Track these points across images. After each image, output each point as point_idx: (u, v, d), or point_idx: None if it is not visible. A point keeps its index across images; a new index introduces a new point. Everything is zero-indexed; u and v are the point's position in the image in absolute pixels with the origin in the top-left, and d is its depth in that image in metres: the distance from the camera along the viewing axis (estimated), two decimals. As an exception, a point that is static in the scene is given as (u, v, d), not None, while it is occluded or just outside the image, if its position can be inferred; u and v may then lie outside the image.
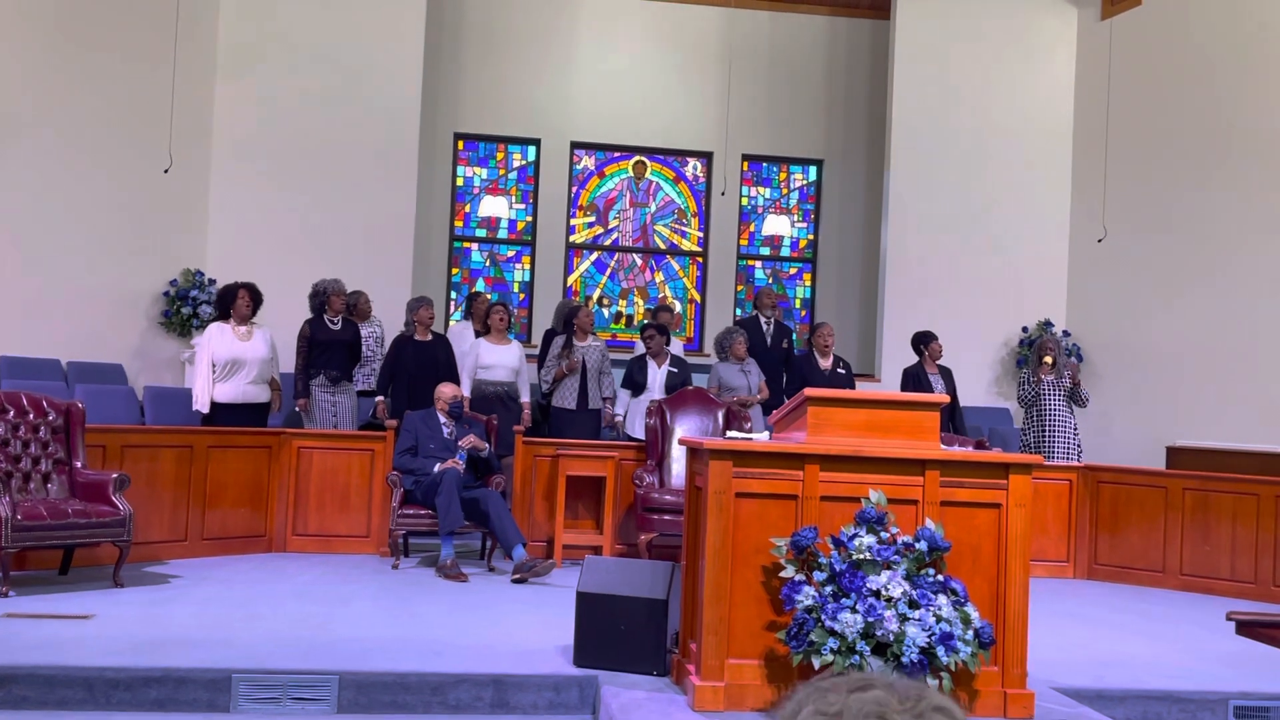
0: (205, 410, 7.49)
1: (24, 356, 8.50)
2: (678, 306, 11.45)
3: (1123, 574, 7.62)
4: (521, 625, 5.27)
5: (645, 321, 10.07)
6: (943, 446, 4.35)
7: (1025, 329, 10.90)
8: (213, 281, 9.66)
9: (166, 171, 9.46)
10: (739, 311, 11.70)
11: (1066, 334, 10.80)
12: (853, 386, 8.58)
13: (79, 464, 6.10)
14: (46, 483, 5.99)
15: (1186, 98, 10.22)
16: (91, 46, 9.21)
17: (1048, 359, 8.61)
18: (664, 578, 4.55)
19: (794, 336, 9.81)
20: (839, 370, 8.60)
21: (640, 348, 9.21)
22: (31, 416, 6.02)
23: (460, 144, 11.50)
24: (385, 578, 6.53)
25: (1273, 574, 7.07)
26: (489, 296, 9.35)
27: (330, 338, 7.98)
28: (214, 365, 7.50)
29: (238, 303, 7.60)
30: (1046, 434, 8.48)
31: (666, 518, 6.95)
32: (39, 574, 6.03)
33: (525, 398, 8.12)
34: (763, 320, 9.35)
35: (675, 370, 8.22)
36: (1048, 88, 11.14)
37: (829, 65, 11.80)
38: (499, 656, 4.58)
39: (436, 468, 6.81)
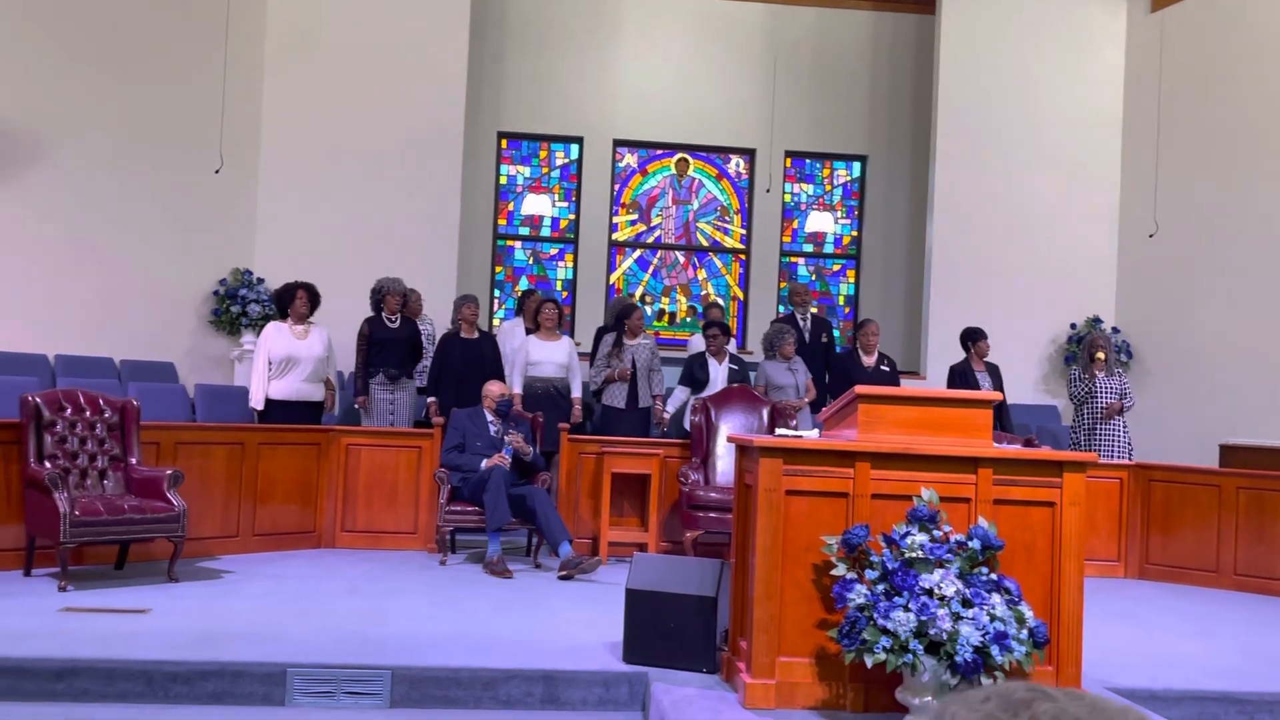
0: (259, 407, 7.59)
1: (80, 355, 8.66)
2: (722, 302, 11.42)
3: (1175, 574, 7.52)
4: (570, 622, 5.29)
5: (693, 319, 10.06)
6: (995, 445, 4.32)
7: (1074, 326, 10.77)
8: (261, 280, 9.77)
9: (217, 172, 9.58)
10: (782, 309, 11.66)
11: (1116, 330, 10.66)
12: (897, 384, 8.53)
13: (134, 460, 6.19)
14: (103, 479, 6.09)
15: (1238, 91, 10.05)
16: (143, 50, 9.35)
17: (1100, 355, 8.50)
18: (713, 575, 4.54)
19: (834, 331, 9.74)
20: (883, 368, 8.55)
21: (693, 345, 9.20)
22: (88, 414, 6.13)
23: (504, 142, 11.55)
24: (433, 574, 6.58)
25: (1330, 574, 6.94)
26: (540, 294, 9.38)
27: (388, 336, 8.05)
28: (270, 363, 7.61)
29: (296, 302, 7.71)
30: (1096, 433, 8.38)
31: (712, 515, 6.94)
32: (96, 569, 6.13)
33: (576, 393, 8.13)
34: (799, 317, 9.31)
35: (735, 368, 8.19)
36: (1096, 81, 11.00)
37: (873, 60, 11.72)
38: (549, 653, 4.60)
39: (484, 464, 6.85)
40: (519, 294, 10.52)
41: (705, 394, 7.97)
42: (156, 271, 9.40)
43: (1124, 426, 8.46)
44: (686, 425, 8.06)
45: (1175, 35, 10.50)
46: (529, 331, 8.57)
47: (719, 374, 8.13)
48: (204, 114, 9.59)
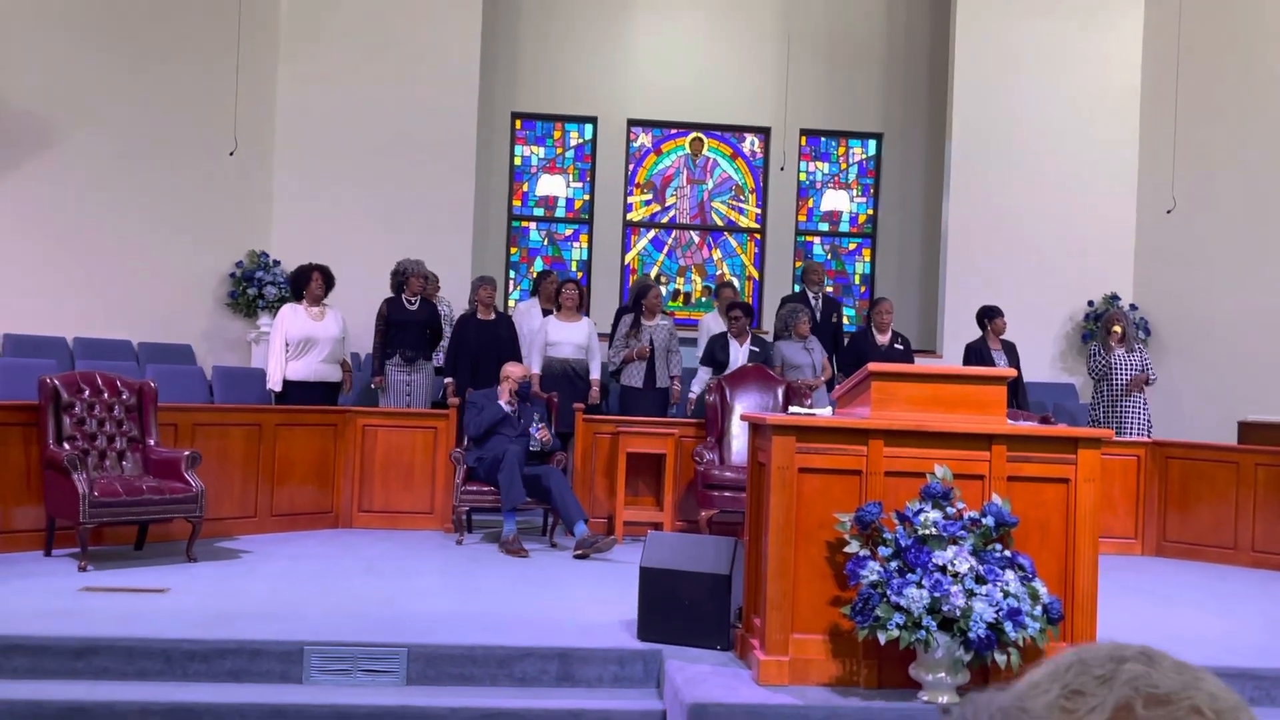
0: (278, 389, 7.63)
1: (97, 338, 8.71)
2: (736, 282, 11.40)
3: (1192, 551, 7.49)
4: (585, 600, 5.31)
5: (707, 299, 10.03)
6: (1009, 422, 4.31)
7: (1091, 303, 10.71)
8: (277, 263, 9.81)
9: (231, 154, 9.61)
10: (798, 288, 11.63)
11: (1134, 307, 10.59)
12: (911, 362, 8.49)
13: (152, 442, 6.24)
14: (121, 460, 6.14)
15: (1258, 66, 9.94)
16: (156, 33, 9.37)
17: (1117, 328, 8.45)
18: (726, 553, 4.56)
19: (846, 311, 9.71)
20: (896, 346, 8.52)
21: (703, 325, 9.18)
22: (106, 396, 6.17)
23: (518, 123, 11.53)
24: (449, 553, 6.62)
25: (1349, 551, 6.90)
26: (556, 275, 9.39)
27: (406, 318, 8.07)
28: (287, 344, 7.64)
29: (311, 284, 7.74)
30: (1116, 410, 8.34)
31: (727, 494, 6.95)
32: (115, 549, 6.19)
33: (595, 375, 8.14)
34: (810, 295, 9.28)
35: (757, 350, 8.16)
36: (1113, 56, 10.89)
37: (888, 37, 11.64)
38: (564, 630, 4.62)
39: (503, 403, 6.93)
40: (534, 275, 10.53)
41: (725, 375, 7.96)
42: (173, 254, 9.45)
43: (1144, 404, 8.42)
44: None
45: (1194, 10, 10.38)
46: (545, 313, 8.58)
47: (740, 355, 8.12)
48: (217, 96, 9.61)
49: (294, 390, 7.63)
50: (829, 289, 11.41)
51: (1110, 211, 10.81)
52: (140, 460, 6.18)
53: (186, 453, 6.09)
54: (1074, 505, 4.11)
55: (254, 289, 9.73)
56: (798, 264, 11.73)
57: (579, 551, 6.48)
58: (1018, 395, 8.47)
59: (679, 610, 4.48)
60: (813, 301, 9.18)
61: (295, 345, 7.67)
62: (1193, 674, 0.77)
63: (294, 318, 7.72)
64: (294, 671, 4.25)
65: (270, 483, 7.07)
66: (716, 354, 8.14)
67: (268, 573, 5.77)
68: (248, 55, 9.73)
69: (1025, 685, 0.79)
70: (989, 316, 8.74)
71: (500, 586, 5.62)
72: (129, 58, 9.22)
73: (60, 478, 5.73)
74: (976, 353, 8.63)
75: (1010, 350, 8.69)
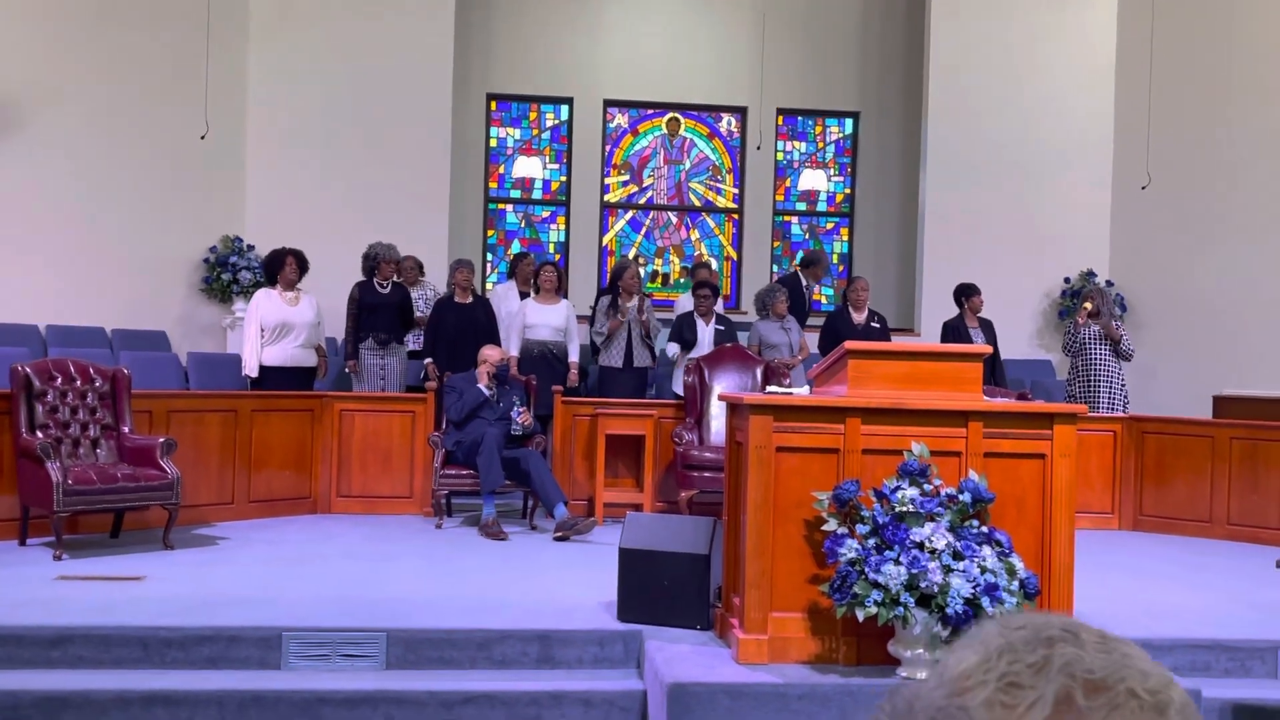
0: (254, 374, 7.57)
1: (69, 325, 8.63)
2: (714, 264, 11.39)
3: (1169, 525, 7.55)
4: (564, 582, 5.31)
5: (685, 280, 10.03)
6: (985, 399, 4.32)
7: (1067, 280, 10.75)
8: (251, 247, 9.73)
9: (203, 138, 9.50)
10: (776, 268, 11.64)
11: (1110, 284, 10.64)
12: (888, 340, 8.52)
13: (126, 429, 6.19)
14: (95, 448, 6.09)
15: (1231, 41, 9.97)
16: (124, 15, 9.25)
17: (1087, 304, 8.49)
18: (705, 533, 4.56)
19: (825, 291, 9.73)
20: (873, 324, 8.54)
21: (680, 306, 9.18)
22: (79, 383, 6.11)
23: (493, 105, 11.46)
24: (429, 537, 6.60)
25: (1323, 523, 6.97)
26: (534, 257, 9.36)
27: (378, 301, 8.02)
28: (262, 330, 7.58)
29: (285, 268, 7.67)
30: (1092, 384, 8.38)
31: (706, 475, 6.95)
32: (90, 537, 6.14)
33: (574, 357, 8.13)
34: (803, 281, 9.27)
35: (722, 329, 8.19)
36: (1088, 34, 10.90)
37: (864, 15, 11.61)
38: (544, 613, 4.62)
39: (482, 386, 6.90)
40: (511, 257, 10.49)
41: (694, 354, 7.97)
42: (146, 240, 9.36)
43: (1121, 380, 8.46)
44: (678, 387, 8.07)
45: (1168, -16, 10.39)
46: (523, 295, 8.56)
47: (706, 335, 8.13)
48: (188, 79, 9.50)
49: (270, 376, 7.57)
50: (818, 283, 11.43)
51: (1086, 188, 10.84)
52: (115, 448, 6.13)
53: (162, 440, 6.04)
54: (1050, 480, 4.13)
55: (228, 274, 9.65)
56: (776, 244, 11.73)
57: (559, 534, 6.48)
58: (995, 372, 8.51)
59: (659, 591, 4.48)
60: (804, 289, 9.15)
61: (270, 331, 7.61)
62: (1120, 651, 0.76)
63: (269, 303, 7.65)
64: (272, 657, 4.23)
65: (247, 469, 7.03)
66: (684, 333, 8.17)
67: (245, 559, 5.74)
68: (218, 38, 9.62)
69: (955, 675, 0.77)
70: (966, 294, 8.77)
71: (480, 570, 5.61)
72: (98, 40, 9.10)
73: (34, 466, 5.67)
74: (954, 331, 8.66)
75: (987, 328, 8.72)
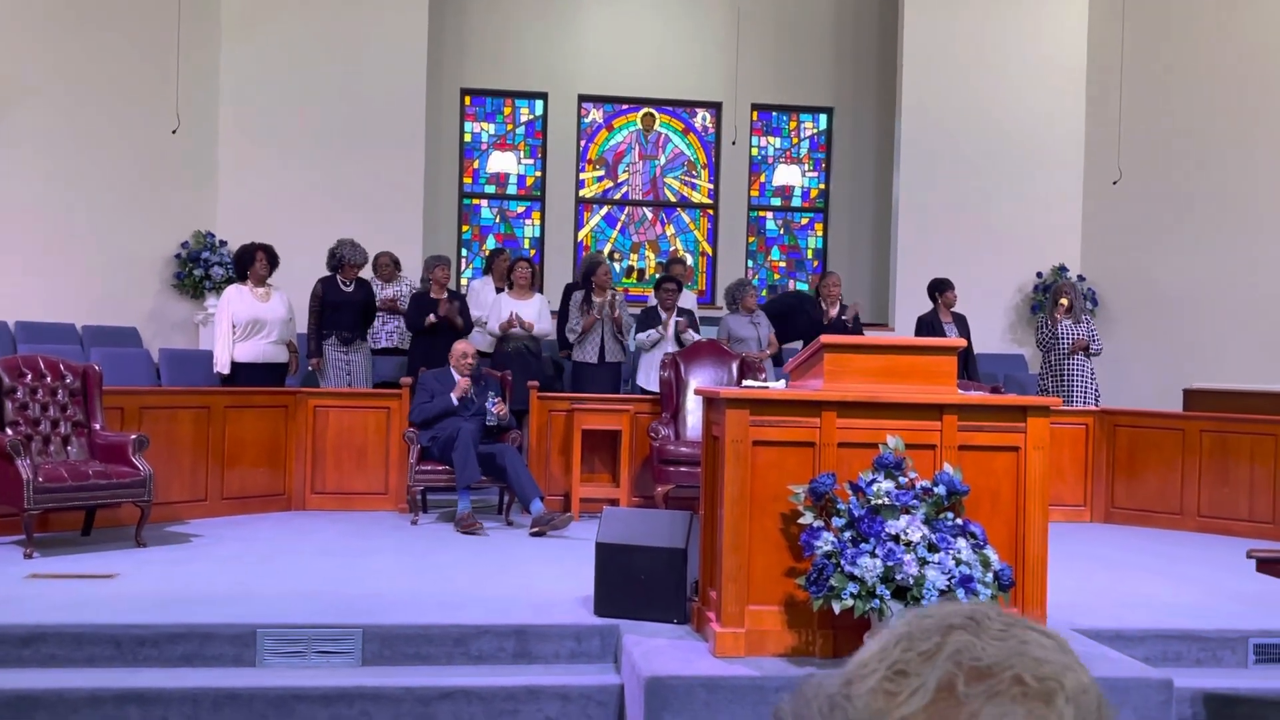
0: (226, 371, 7.51)
1: (40, 321, 8.53)
2: (689, 259, 11.41)
3: (1140, 517, 7.62)
4: (541, 577, 5.31)
5: (658, 275, 10.01)
6: (959, 392, 4.34)
7: (1040, 274, 10.83)
8: (224, 243, 9.65)
9: (174, 133, 9.42)
10: (751, 263, 11.66)
11: (1081, 278, 10.72)
12: (860, 335, 8.56)
13: (98, 426, 6.13)
14: (66, 445, 6.03)
15: (1202, 38, 10.06)
16: (94, 9, 9.15)
17: (1064, 301, 8.57)
18: (682, 527, 4.56)
19: (799, 286, 9.73)
20: (843, 319, 8.58)
21: (653, 300, 9.20)
22: (49, 380, 6.05)
23: (467, 99, 11.41)
24: (404, 533, 6.58)
25: (1291, 514, 7.06)
26: (509, 253, 9.35)
27: (342, 299, 7.98)
28: (234, 326, 7.52)
29: (255, 264, 7.61)
30: (1063, 379, 8.46)
31: (683, 469, 6.96)
32: (62, 535, 6.08)
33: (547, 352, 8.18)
34: (824, 302, 9.07)
35: (681, 319, 8.22)
36: (1060, 30, 10.97)
37: (838, 11, 11.64)
38: (520, 608, 4.61)
39: (453, 396, 6.85)
40: (487, 253, 10.46)
41: (657, 351, 8.00)
42: (117, 235, 9.26)
43: (1091, 372, 8.54)
44: (646, 383, 8.07)
45: (1139, -19, 10.48)
46: (499, 290, 8.55)
47: (669, 327, 8.16)
48: (159, 72, 9.40)
49: (242, 372, 7.52)
50: (781, 263, 11.46)
51: (1058, 184, 10.92)
52: (86, 445, 6.07)
53: (134, 436, 5.99)
54: (1024, 473, 4.16)
55: (200, 270, 9.57)
56: (750, 239, 11.75)
57: (535, 529, 6.47)
58: (968, 366, 8.57)
59: (635, 585, 4.48)
60: (825, 307, 8.86)
61: (242, 327, 7.55)
62: (1019, 639, 0.75)
63: (240, 299, 7.59)
64: (247, 655, 4.20)
65: (220, 466, 6.98)
66: (650, 323, 8.20)
67: (219, 556, 5.70)
68: (189, 30, 9.53)
69: (855, 664, 0.77)
70: (939, 289, 8.82)
71: (456, 565, 5.60)
72: (68, 36, 9.00)
73: (3, 464, 5.61)
74: (928, 325, 8.71)
75: (961, 322, 8.78)
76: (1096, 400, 8.46)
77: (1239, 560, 6.25)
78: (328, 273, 8.10)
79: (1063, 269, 10.79)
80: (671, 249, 11.68)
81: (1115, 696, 3.78)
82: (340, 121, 10.05)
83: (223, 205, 9.91)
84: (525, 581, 5.22)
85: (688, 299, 9.02)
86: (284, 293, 7.80)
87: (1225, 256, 9.88)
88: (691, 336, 8.07)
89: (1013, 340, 10.87)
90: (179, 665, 4.16)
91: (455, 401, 6.92)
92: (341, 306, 7.96)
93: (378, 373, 8.29)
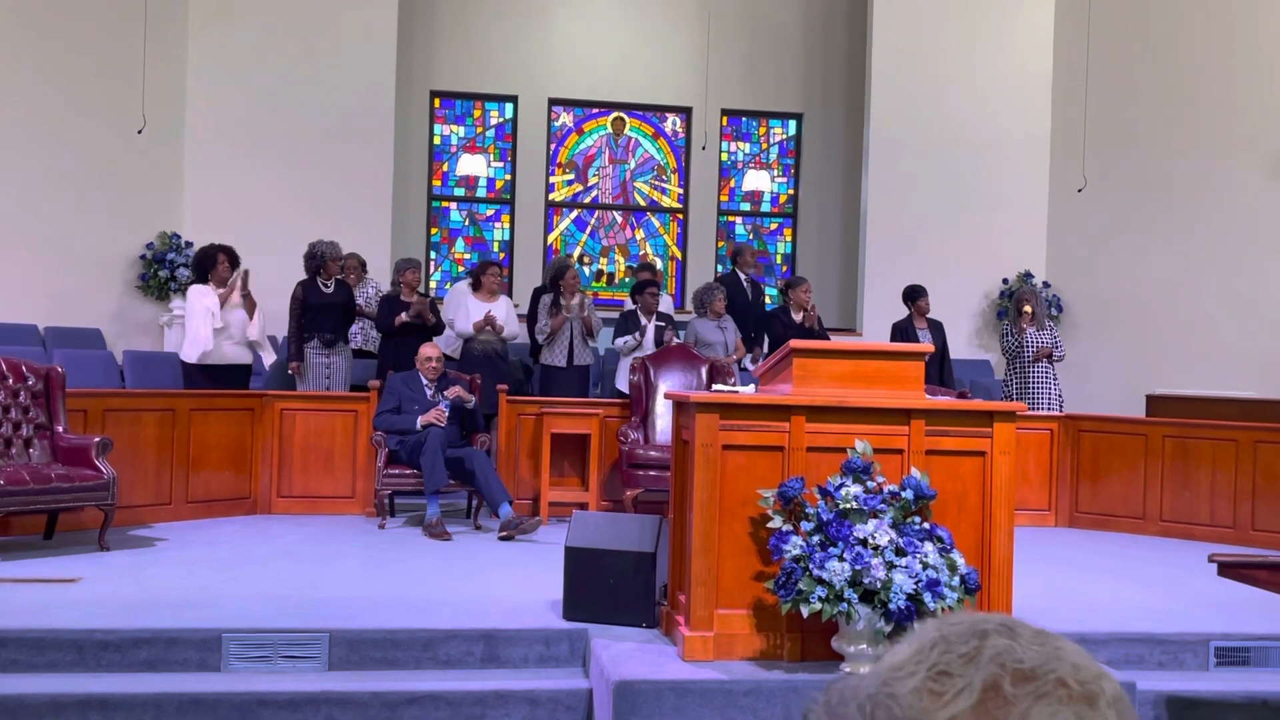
0: (200, 353, 7.34)
1: (1, 322, 8.42)
2: (659, 264, 11.42)
3: (1104, 521, 7.70)
4: (510, 581, 5.29)
5: (631, 280, 10.05)
6: (927, 397, 4.37)
7: (1005, 281, 10.93)
8: (189, 244, 9.56)
9: (140, 132, 9.33)
10: (720, 268, 11.69)
11: (1046, 285, 10.83)
12: (825, 339, 8.61)
13: (60, 428, 6.06)
14: (28, 448, 5.95)
15: (1166, 46, 10.20)
16: (59, 7, 9.05)
17: (1027, 308, 8.65)
18: (651, 531, 4.57)
19: (769, 291, 9.85)
20: (806, 325, 8.64)
21: (630, 304, 9.22)
22: (11, 381, 5.97)
23: (437, 102, 11.38)
24: (372, 538, 6.54)
25: (1251, 518, 7.16)
26: (481, 259, 9.33)
27: (323, 300, 7.92)
28: (213, 314, 7.39)
29: (218, 267, 7.53)
30: (1028, 385, 8.53)
31: (652, 473, 6.97)
32: (23, 539, 6.00)
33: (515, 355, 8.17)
34: (742, 277, 9.34)
35: (661, 324, 8.24)
36: (1026, 38, 11.09)
37: (807, 18, 11.70)
38: (489, 612, 4.60)
39: (419, 421, 6.81)
40: (464, 260, 10.43)
41: (638, 352, 8.00)
42: (80, 236, 9.16)
43: (1055, 378, 8.63)
44: (619, 384, 8.08)
45: (1104, -8, 10.61)
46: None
47: (648, 332, 8.17)
48: (125, 73, 9.31)
49: (204, 374, 7.44)
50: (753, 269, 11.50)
51: (1024, 190, 11.03)
52: (48, 448, 6.00)
53: (97, 439, 5.92)
54: (990, 478, 4.20)
55: (166, 271, 9.48)
56: (720, 244, 11.78)
57: (504, 533, 6.45)
58: (943, 372, 8.64)
59: (604, 589, 4.48)
60: (745, 284, 9.22)
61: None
62: (1054, 644, 0.77)
63: (204, 299, 7.52)
64: (212, 659, 4.17)
65: (185, 469, 6.91)
66: (629, 328, 8.21)
67: (184, 560, 5.64)
68: (156, 28, 9.44)
69: (889, 667, 0.78)
70: (913, 296, 8.91)
71: (424, 570, 5.57)
72: (31, 34, 8.90)
73: (-37, 467, 5.53)
74: (902, 331, 8.80)
75: (937, 328, 8.85)
76: (1060, 406, 8.55)
77: (1201, 564, 6.32)
78: (305, 276, 8.03)
79: (1028, 275, 10.89)
80: (640, 253, 11.69)
81: (1079, 699, 3.81)
82: (308, 123, 9.99)
83: (189, 206, 9.83)
84: (494, 586, 5.20)
85: (664, 303, 9.05)
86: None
87: (1188, 264, 10.02)
88: (674, 341, 8.09)
89: (979, 346, 10.96)
90: (142, 670, 4.11)
91: (419, 425, 6.84)
92: (323, 308, 7.90)
93: (354, 376, 8.23)
